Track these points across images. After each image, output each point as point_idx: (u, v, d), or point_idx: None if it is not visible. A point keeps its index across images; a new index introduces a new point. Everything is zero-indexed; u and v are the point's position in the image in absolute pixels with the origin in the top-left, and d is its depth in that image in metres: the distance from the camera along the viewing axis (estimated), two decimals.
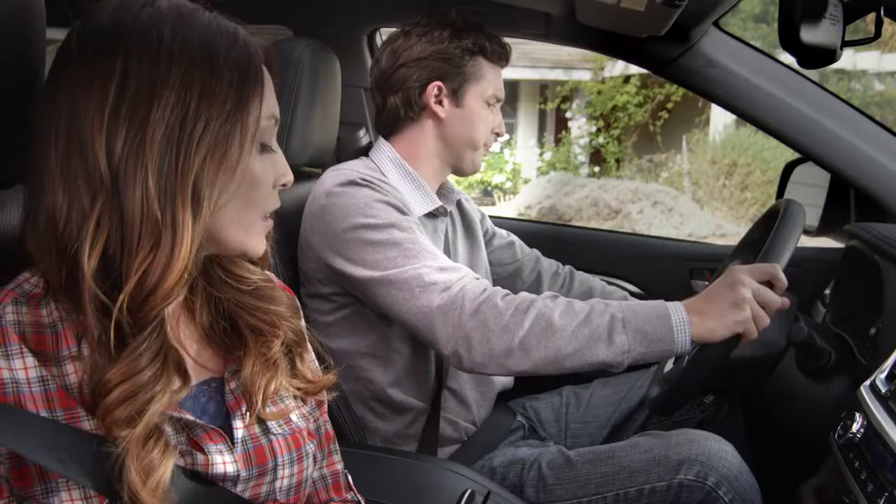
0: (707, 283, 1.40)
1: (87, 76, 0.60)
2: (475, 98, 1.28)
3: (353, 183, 1.17)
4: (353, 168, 1.22)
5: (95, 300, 0.60)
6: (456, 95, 1.28)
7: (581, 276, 1.54)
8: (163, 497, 0.61)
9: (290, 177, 0.71)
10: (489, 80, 1.29)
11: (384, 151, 1.30)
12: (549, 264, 1.55)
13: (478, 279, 1.12)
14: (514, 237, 1.57)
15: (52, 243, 0.61)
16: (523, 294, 1.09)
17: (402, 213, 1.17)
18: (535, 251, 1.57)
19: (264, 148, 0.68)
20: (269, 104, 0.67)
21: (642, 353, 1.04)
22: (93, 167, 0.59)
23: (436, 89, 1.27)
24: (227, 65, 0.62)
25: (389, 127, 1.31)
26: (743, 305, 1.02)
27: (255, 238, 0.69)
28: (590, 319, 1.04)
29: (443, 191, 1.38)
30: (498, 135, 1.34)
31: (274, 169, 0.69)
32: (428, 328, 1.09)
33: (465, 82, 1.27)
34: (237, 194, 0.65)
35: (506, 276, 1.53)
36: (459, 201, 1.44)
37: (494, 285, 1.44)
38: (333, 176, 1.20)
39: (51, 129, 0.61)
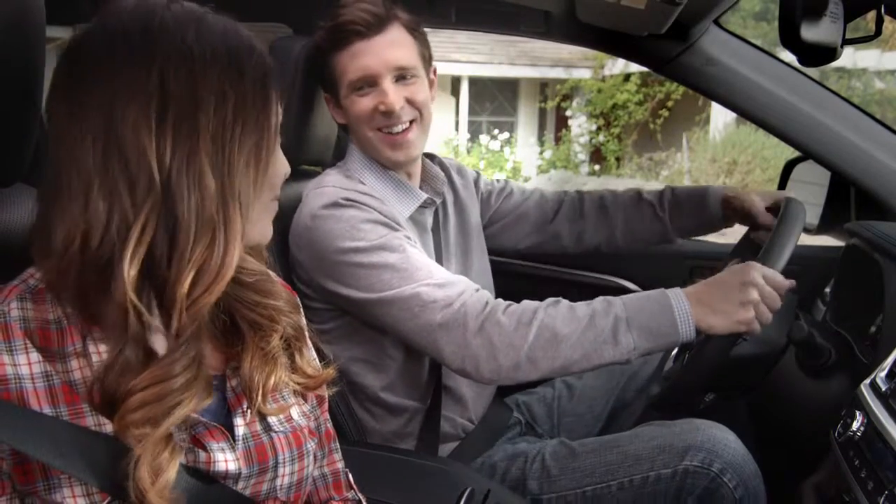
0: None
1: (122, 85, 0.59)
2: (345, 95, 1.20)
3: (336, 205, 1.14)
4: (335, 185, 1.18)
5: (132, 307, 0.59)
6: (337, 99, 1.23)
7: (590, 197, 1.49)
8: (168, 497, 0.61)
9: (288, 167, 0.73)
10: (346, 70, 1.18)
11: (355, 155, 1.27)
12: (551, 197, 1.50)
13: (478, 291, 1.11)
14: (512, 184, 1.52)
15: (81, 258, 0.59)
16: (525, 304, 1.08)
17: (391, 227, 1.15)
18: (539, 189, 1.53)
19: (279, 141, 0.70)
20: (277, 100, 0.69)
21: (648, 349, 1.05)
22: (138, 175, 0.59)
23: (331, 103, 1.26)
24: (249, 68, 0.64)
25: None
26: (749, 307, 1.03)
27: (269, 223, 0.71)
28: (593, 323, 1.05)
29: (427, 178, 1.33)
30: (384, 113, 1.18)
31: (282, 160, 0.71)
32: (433, 346, 1.09)
33: (334, 85, 1.21)
34: (265, 189, 0.67)
35: (513, 224, 1.49)
36: (452, 180, 1.40)
37: (506, 237, 1.43)
38: (316, 197, 1.17)
39: (81, 140, 0.59)
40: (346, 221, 1.13)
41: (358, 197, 1.16)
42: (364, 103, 1.18)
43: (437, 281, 1.10)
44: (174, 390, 0.61)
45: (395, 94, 1.17)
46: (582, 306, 1.07)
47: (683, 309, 1.04)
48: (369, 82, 1.17)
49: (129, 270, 0.58)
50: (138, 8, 0.63)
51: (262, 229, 0.70)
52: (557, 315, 1.06)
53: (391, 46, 1.17)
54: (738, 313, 1.04)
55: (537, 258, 1.80)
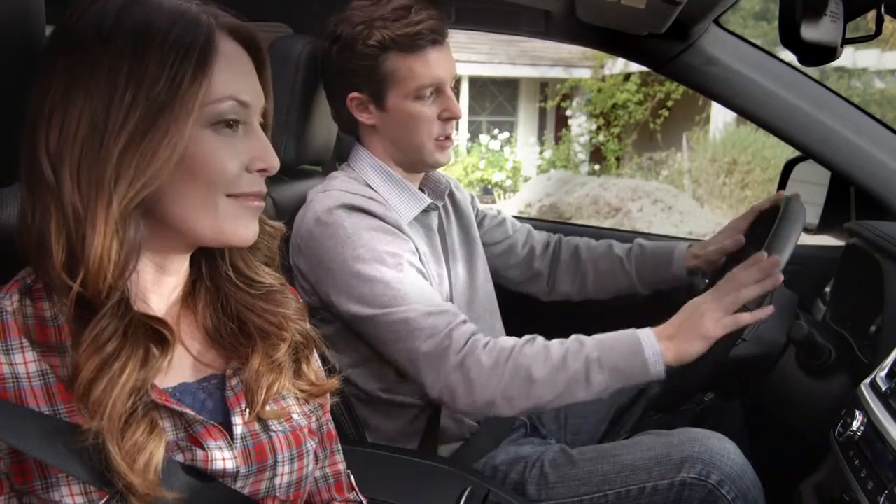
0: (706, 280, 1.40)
1: (42, 76, 0.62)
2: (398, 99, 1.19)
3: (341, 210, 1.14)
4: (341, 189, 1.19)
5: (66, 289, 0.61)
6: (377, 101, 1.20)
7: (567, 242, 1.53)
8: (157, 480, 0.61)
9: (267, 162, 0.68)
10: (410, 75, 1.17)
11: (363, 158, 1.26)
12: (540, 236, 1.54)
13: (465, 323, 1.12)
14: (504, 214, 1.55)
15: (28, 240, 0.63)
16: (503, 342, 1.10)
17: (394, 235, 1.16)
18: (527, 225, 1.55)
19: (220, 129, 0.65)
20: (226, 84, 0.64)
21: (618, 387, 1.09)
22: (40, 165, 0.61)
23: (355, 101, 1.21)
24: (162, 46, 0.61)
25: (352, 134, 1.30)
26: (710, 337, 1.05)
27: (229, 222, 0.67)
28: (566, 365, 1.07)
29: (430, 184, 1.34)
30: (448, 119, 1.22)
31: (241, 151, 0.66)
32: (414, 371, 1.11)
33: (380, 86, 1.18)
34: (178, 178, 0.63)
35: (499, 254, 1.51)
36: (451, 191, 1.41)
37: (490, 264, 1.44)
38: (322, 199, 1.17)
39: (25, 132, 0.63)
40: (349, 227, 1.13)
41: (363, 203, 1.16)
42: (429, 110, 1.20)
43: (426, 309, 1.11)
44: (110, 355, 0.60)
45: (456, 102, 1.23)
46: (556, 346, 1.10)
47: (654, 350, 1.06)
48: (436, 90, 1.20)
49: (57, 257, 0.61)
50: (79, 4, 0.64)
51: (216, 229, 0.67)
52: (533, 356, 1.08)
53: (451, 56, 1.22)
54: (700, 344, 1.06)
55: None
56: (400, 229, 1.18)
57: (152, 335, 0.64)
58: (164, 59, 0.61)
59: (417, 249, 1.21)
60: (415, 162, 1.26)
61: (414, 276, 1.14)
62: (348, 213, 1.14)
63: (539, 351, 1.09)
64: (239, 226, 0.68)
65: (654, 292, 1.45)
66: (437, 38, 1.18)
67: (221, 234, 0.67)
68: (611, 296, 1.50)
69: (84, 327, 0.61)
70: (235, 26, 0.67)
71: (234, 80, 0.65)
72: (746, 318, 1.05)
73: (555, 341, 1.11)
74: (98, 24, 0.62)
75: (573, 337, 1.11)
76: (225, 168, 0.65)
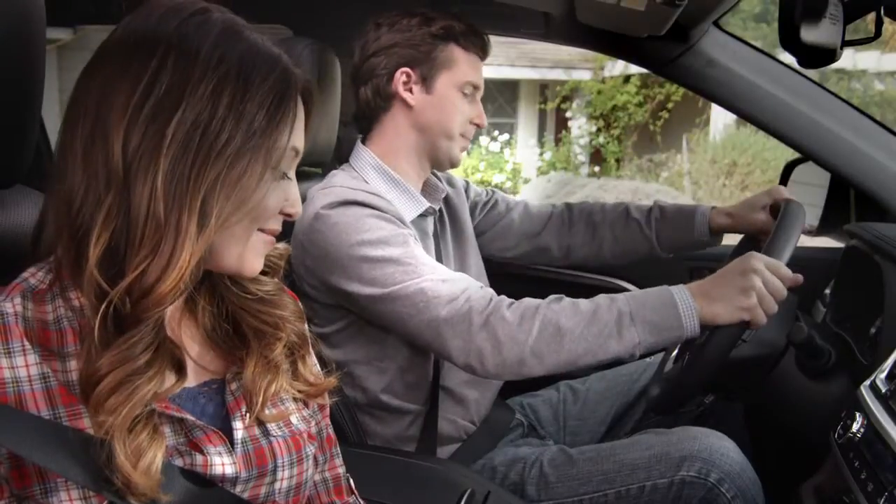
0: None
1: (122, 66, 0.61)
2: (447, 85, 1.25)
3: (341, 203, 1.15)
4: (341, 184, 1.20)
5: (96, 287, 0.60)
6: (426, 82, 1.24)
7: (579, 208, 1.52)
8: (157, 479, 0.61)
9: (297, 209, 0.71)
10: (462, 68, 1.25)
11: (364, 158, 1.28)
12: (540, 209, 1.53)
13: (482, 288, 1.11)
14: (497, 195, 1.54)
15: (66, 223, 0.62)
16: (528, 300, 1.09)
17: (395, 224, 1.16)
18: (524, 202, 1.55)
19: (276, 173, 0.68)
20: (297, 136, 0.68)
21: (653, 343, 1.05)
22: (110, 155, 0.60)
23: (404, 76, 1.24)
24: (262, 87, 0.63)
25: (366, 122, 1.30)
26: (750, 293, 1.03)
27: (251, 256, 0.69)
28: (597, 317, 1.05)
29: (428, 188, 1.35)
30: (478, 125, 1.30)
31: (281, 193, 0.69)
32: (438, 341, 1.09)
33: (434, 68, 1.24)
34: (246, 215, 0.65)
35: (498, 235, 1.51)
36: (447, 195, 1.42)
37: (491, 247, 1.46)
38: (322, 196, 1.18)
39: (80, 112, 0.62)
40: (351, 216, 1.14)
41: (363, 197, 1.17)
42: (468, 108, 1.28)
43: (441, 276, 1.10)
44: (136, 371, 0.60)
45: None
46: (584, 302, 1.08)
47: (687, 303, 1.04)
48: (474, 94, 1.28)
49: (95, 250, 0.59)
50: (174, 9, 0.63)
51: (239, 258, 0.68)
52: (560, 310, 1.06)
53: None
54: (739, 299, 1.03)
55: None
56: (401, 220, 1.19)
57: (174, 358, 0.65)
58: (264, 100, 0.63)
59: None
60: (435, 151, 1.28)
61: (420, 250, 1.15)
62: (348, 206, 1.15)
63: (567, 305, 1.07)
64: (256, 260, 0.70)
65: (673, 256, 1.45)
66: (487, 52, 1.29)
67: (242, 262, 0.69)
68: (628, 260, 1.50)
69: (118, 333, 0.61)
70: (305, 81, 0.69)
71: (300, 130, 0.68)
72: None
73: (583, 299, 1.09)
74: (203, 39, 0.62)
75: (602, 294, 1.09)
76: (271, 207, 0.68)
